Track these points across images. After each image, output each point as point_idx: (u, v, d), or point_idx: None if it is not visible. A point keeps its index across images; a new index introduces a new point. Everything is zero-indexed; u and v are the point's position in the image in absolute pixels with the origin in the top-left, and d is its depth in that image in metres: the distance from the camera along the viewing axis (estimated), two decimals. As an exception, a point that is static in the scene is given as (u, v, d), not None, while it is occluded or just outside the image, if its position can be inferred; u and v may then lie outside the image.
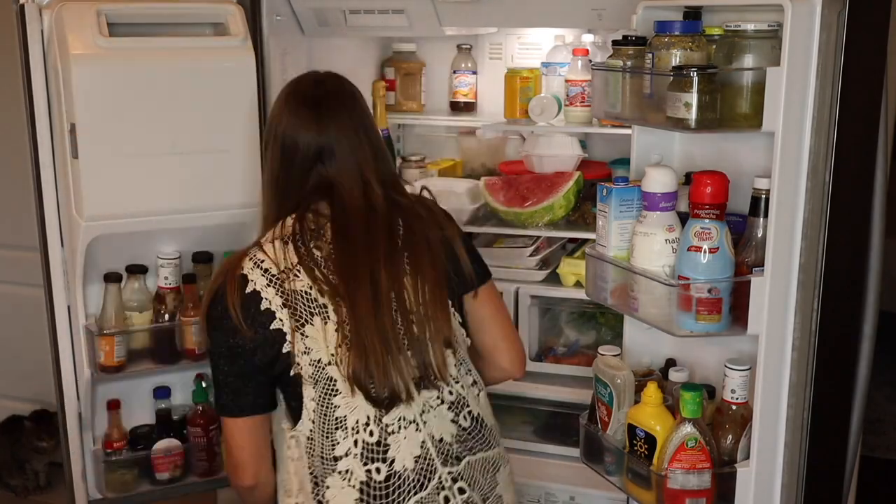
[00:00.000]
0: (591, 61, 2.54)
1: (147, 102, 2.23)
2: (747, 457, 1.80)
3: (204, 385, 2.52)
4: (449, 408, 1.68)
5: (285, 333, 1.59)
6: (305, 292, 1.60)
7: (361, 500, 1.58)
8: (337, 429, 1.59)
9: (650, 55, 1.80)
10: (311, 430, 1.60)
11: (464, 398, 1.71)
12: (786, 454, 1.84)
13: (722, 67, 1.76)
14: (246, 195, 2.39)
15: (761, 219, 1.76)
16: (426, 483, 1.61)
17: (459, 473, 1.66)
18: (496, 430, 1.77)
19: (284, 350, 1.59)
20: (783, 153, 1.70)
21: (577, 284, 2.60)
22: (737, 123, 1.76)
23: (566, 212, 2.60)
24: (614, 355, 1.99)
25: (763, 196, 1.75)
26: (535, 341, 2.70)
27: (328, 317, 1.59)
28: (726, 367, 1.78)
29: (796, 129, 1.72)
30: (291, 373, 1.60)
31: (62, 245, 2.31)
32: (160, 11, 2.34)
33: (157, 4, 2.35)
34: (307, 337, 1.58)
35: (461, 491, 1.65)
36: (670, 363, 2.00)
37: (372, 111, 2.77)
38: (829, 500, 2.07)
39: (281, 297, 1.59)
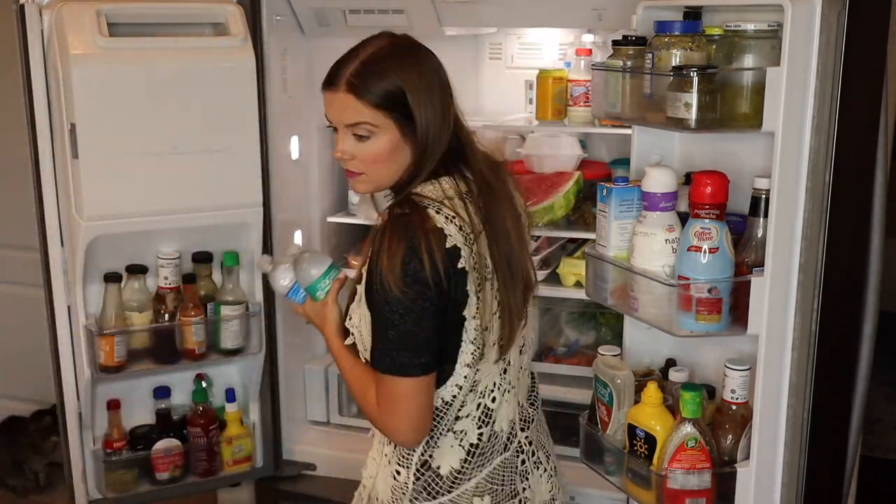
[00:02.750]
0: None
1: (147, 102, 2.23)
2: (747, 457, 1.80)
3: (204, 385, 2.53)
4: (529, 374, 1.77)
5: (468, 295, 1.54)
6: (484, 256, 1.57)
7: (466, 459, 1.64)
8: (471, 391, 1.62)
9: (650, 55, 1.80)
10: (453, 397, 1.61)
11: (528, 360, 1.79)
12: (786, 454, 1.84)
13: (722, 67, 1.76)
14: (246, 195, 2.40)
15: (761, 219, 1.76)
16: (509, 445, 1.69)
17: (531, 437, 1.73)
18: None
19: (464, 313, 1.55)
20: (783, 153, 1.70)
21: (577, 284, 2.60)
22: (737, 123, 1.76)
23: (566, 212, 2.60)
24: (614, 355, 1.99)
25: (763, 196, 1.75)
26: (535, 341, 2.70)
27: (493, 284, 1.58)
28: (726, 367, 1.78)
29: (796, 129, 1.72)
30: (456, 337, 1.58)
31: (62, 245, 2.31)
32: (160, 11, 2.34)
33: (157, 4, 2.35)
34: (483, 302, 1.56)
35: (533, 453, 1.73)
36: (670, 363, 2.00)
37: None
38: (829, 500, 2.07)
39: (473, 258, 1.54)
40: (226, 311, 2.43)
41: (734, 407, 1.80)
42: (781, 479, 1.84)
